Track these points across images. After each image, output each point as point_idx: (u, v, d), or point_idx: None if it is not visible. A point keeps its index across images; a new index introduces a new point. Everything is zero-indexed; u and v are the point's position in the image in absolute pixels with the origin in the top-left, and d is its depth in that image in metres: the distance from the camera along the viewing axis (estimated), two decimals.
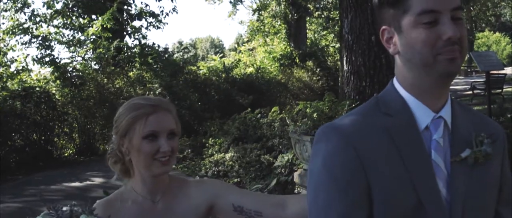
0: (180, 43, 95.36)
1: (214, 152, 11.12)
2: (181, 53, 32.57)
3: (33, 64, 20.32)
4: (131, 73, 22.69)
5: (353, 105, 9.71)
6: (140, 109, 2.62)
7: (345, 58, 10.65)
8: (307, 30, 32.61)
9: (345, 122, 1.96)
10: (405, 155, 1.87)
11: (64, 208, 2.28)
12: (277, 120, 11.01)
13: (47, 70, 20.44)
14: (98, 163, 18.13)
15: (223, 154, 10.79)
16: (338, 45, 30.30)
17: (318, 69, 28.50)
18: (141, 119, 2.60)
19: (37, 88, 18.60)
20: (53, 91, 19.26)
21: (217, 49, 74.10)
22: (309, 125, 6.45)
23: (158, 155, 2.59)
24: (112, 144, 2.76)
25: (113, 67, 21.72)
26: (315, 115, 6.45)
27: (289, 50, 29.32)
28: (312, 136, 6.26)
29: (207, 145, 11.62)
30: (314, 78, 28.21)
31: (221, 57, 29.46)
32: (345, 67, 10.63)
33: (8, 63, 19.89)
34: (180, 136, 2.76)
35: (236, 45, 35.16)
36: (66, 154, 19.54)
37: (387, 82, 7.56)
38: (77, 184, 14.53)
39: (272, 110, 11.58)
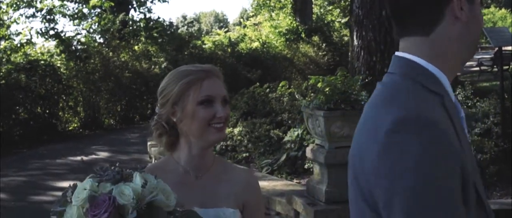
0: (184, 17, 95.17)
1: None
2: (185, 28, 32.32)
3: (37, 37, 20.23)
4: (136, 47, 22.59)
5: (367, 80, 9.61)
6: (191, 74, 2.55)
7: (355, 33, 10.53)
8: (313, 5, 32.35)
9: (425, 108, 1.66)
10: (461, 138, 1.71)
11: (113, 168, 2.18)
12: (286, 94, 10.90)
13: (51, 44, 20.36)
14: (103, 136, 18.13)
15: (231, 128, 10.67)
16: (344, 20, 30.23)
17: (324, 45, 28.38)
18: (196, 84, 2.51)
19: (42, 62, 18.50)
20: (58, 65, 19.16)
21: (221, 24, 73.88)
22: (322, 99, 6.33)
23: (214, 120, 2.52)
24: (156, 116, 2.66)
25: (118, 41, 21.62)
26: (327, 89, 6.32)
27: (295, 25, 29.15)
28: (325, 111, 6.17)
29: None
30: (320, 53, 28.11)
31: (226, 32, 29.41)
32: (355, 42, 10.53)
33: (12, 36, 19.77)
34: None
35: (241, 20, 35.01)
36: (70, 128, 19.51)
37: None
38: (82, 158, 14.48)
39: (281, 84, 11.46)
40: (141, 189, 2.06)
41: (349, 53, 11.13)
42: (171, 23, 26.28)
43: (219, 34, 28.26)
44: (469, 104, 8.97)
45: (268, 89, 11.47)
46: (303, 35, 28.75)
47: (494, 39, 9.16)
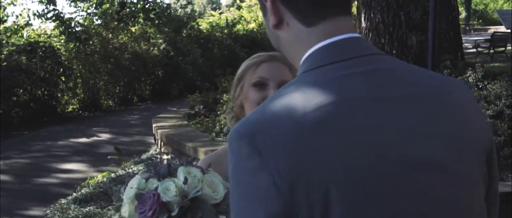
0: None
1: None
2: (181, 9, 32.07)
3: (34, 19, 20.07)
4: (133, 29, 22.47)
5: None
6: (256, 58, 2.58)
7: (363, 15, 10.51)
8: None
9: None
10: None
11: (164, 162, 2.24)
12: None
13: (47, 25, 20.22)
14: (103, 118, 18.11)
15: None
16: None
17: None
18: (253, 66, 2.54)
19: (42, 43, 18.42)
20: (58, 47, 19.07)
21: (214, 5, 73.48)
22: None
23: None
24: (230, 101, 2.73)
25: (116, 23, 21.51)
26: None
27: None
28: None
29: (221, 101, 11.42)
30: None
31: (220, 14, 29.30)
32: (363, 24, 10.50)
33: (13, 18, 19.66)
34: None
35: (235, 1, 34.79)
36: (69, 109, 19.46)
37: (406, 40, 7.46)
38: (84, 139, 14.50)
39: None
40: (182, 185, 2.09)
41: None
42: (168, 5, 26.15)
43: (213, 16, 28.16)
44: (480, 86, 8.91)
45: None
46: None
47: (507, 21, 9.17)
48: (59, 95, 19.11)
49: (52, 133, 15.44)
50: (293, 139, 1.32)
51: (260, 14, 29.13)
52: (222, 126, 10.18)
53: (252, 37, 25.74)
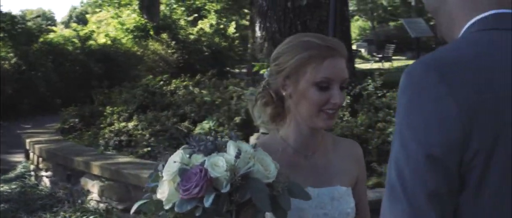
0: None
1: (113, 121, 10.37)
2: (31, 21, 30.88)
3: None
4: None
5: None
6: (315, 49, 2.27)
7: (258, 25, 10.44)
8: (160, 3, 32.06)
9: None
10: None
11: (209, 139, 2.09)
12: (181, 87, 10.56)
13: None
14: None
15: (125, 123, 10.10)
16: (190, 18, 30.35)
17: (174, 42, 28.09)
18: (315, 61, 2.26)
19: None
20: None
21: (49, 22, 71.57)
22: None
23: (327, 106, 2.28)
24: (265, 83, 2.46)
25: None
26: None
27: (142, 22, 28.66)
28: None
29: (105, 113, 10.85)
30: (169, 51, 27.79)
31: (61, 29, 28.66)
32: (258, 34, 10.44)
33: None
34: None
35: (90, 14, 34.01)
36: None
37: None
38: None
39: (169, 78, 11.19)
40: (234, 159, 1.94)
41: (249, 45, 11.07)
42: (13, 15, 24.89)
43: (55, 31, 27.38)
44: (379, 94, 9.05)
45: (161, 82, 11.10)
46: (151, 32, 28.36)
47: (413, 29, 9.39)
48: None
49: None
50: (481, 79, 1.45)
51: (110, 29, 28.61)
52: (107, 139, 9.71)
53: (105, 51, 24.98)
